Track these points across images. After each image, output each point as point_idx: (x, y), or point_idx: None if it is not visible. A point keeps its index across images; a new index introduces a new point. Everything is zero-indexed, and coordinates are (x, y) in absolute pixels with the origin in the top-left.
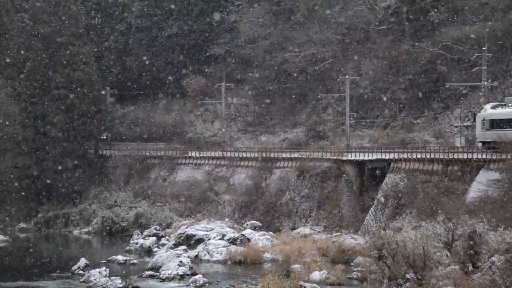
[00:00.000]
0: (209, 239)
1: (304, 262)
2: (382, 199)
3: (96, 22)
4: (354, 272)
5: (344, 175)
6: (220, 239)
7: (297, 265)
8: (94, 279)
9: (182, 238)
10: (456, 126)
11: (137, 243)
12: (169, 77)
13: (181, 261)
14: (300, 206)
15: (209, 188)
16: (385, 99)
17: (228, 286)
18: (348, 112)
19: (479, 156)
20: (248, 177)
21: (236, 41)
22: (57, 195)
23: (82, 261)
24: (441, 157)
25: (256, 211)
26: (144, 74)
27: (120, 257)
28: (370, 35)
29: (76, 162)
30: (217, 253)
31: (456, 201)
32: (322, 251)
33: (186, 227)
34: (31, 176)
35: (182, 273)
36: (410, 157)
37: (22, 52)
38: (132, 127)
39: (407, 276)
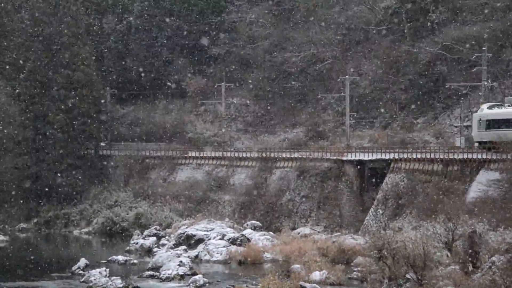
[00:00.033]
0: (209, 239)
1: (304, 262)
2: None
3: (96, 23)
4: (354, 272)
5: (344, 175)
6: (220, 239)
7: (297, 265)
8: (94, 279)
9: (182, 238)
10: (456, 126)
11: (137, 243)
12: (169, 77)
13: (181, 261)
14: (300, 206)
15: (209, 188)
16: (385, 99)
17: (228, 286)
18: (348, 112)
19: (479, 156)
20: (248, 177)
21: (236, 41)
22: (57, 195)
23: (82, 261)
24: (441, 157)
25: (256, 211)
26: (144, 74)
27: (120, 257)
28: (370, 35)
29: (76, 163)
30: (217, 253)
31: (456, 201)
32: (322, 251)
33: (186, 227)
34: (31, 176)
35: (182, 273)
36: (410, 157)
37: (22, 53)
38: (132, 127)
39: (407, 276)
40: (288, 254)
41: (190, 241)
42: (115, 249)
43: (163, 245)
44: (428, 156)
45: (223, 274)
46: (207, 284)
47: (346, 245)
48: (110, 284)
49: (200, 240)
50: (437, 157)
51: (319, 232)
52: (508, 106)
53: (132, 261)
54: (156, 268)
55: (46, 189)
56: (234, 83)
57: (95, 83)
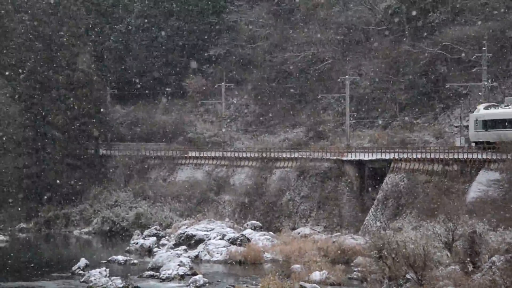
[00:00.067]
0: (209, 239)
1: (304, 262)
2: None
3: (96, 22)
4: (354, 272)
5: (344, 175)
6: (220, 239)
7: (297, 265)
8: (94, 279)
9: (182, 238)
10: (456, 126)
11: (137, 243)
12: (169, 77)
13: (181, 261)
14: (300, 206)
15: (209, 188)
16: (385, 99)
17: (228, 286)
18: (348, 112)
19: (479, 156)
20: (248, 177)
21: (236, 41)
22: (57, 195)
23: (82, 261)
24: (441, 157)
25: (256, 211)
26: (144, 74)
27: (120, 257)
28: (370, 35)
29: (76, 163)
30: (217, 253)
31: (456, 201)
32: (322, 251)
33: (186, 227)
34: (31, 176)
35: (182, 273)
36: (410, 157)
37: (22, 53)
38: (132, 127)
39: (407, 276)
40: (288, 254)
41: (190, 241)
42: (115, 249)
43: (163, 245)
44: (428, 156)
45: (223, 274)
46: (207, 284)
47: (346, 245)
48: (110, 284)
49: (200, 240)
50: (437, 157)
51: (319, 232)
52: (505, 106)
53: (132, 261)
54: (156, 268)
55: (46, 189)
56: (234, 83)
57: (95, 83)
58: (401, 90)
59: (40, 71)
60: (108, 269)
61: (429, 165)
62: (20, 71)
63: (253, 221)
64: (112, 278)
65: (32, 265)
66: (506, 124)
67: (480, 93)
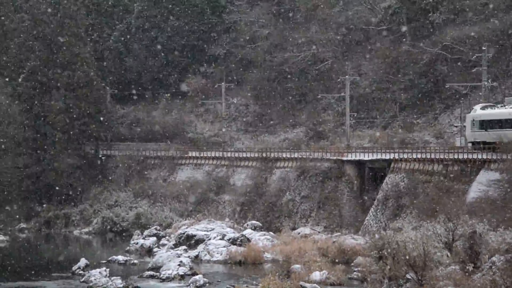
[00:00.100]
0: (210, 239)
1: (305, 262)
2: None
3: (96, 22)
4: (355, 272)
5: (344, 175)
6: (220, 239)
7: (297, 265)
8: (95, 279)
9: (183, 238)
10: (456, 126)
11: (137, 243)
12: (169, 77)
13: (181, 261)
14: (300, 206)
15: (209, 188)
16: (385, 99)
17: (228, 286)
18: (348, 112)
19: (479, 156)
20: (248, 177)
21: (236, 41)
22: (57, 195)
23: (82, 261)
24: (441, 157)
25: (256, 211)
26: (144, 74)
27: (120, 257)
28: (370, 35)
29: (76, 163)
30: (217, 253)
31: (456, 201)
32: (322, 251)
33: (186, 227)
34: (31, 176)
35: (183, 273)
36: (410, 157)
37: (22, 53)
38: (132, 127)
39: (408, 276)
40: (288, 254)
41: (190, 241)
42: (115, 249)
43: (163, 245)
44: (428, 156)
45: (223, 274)
46: (207, 284)
47: (346, 245)
48: (110, 284)
49: (200, 240)
50: (437, 157)
51: (319, 232)
52: (501, 106)
53: (132, 261)
54: (156, 268)
55: (46, 189)
56: (234, 83)
57: (95, 83)
58: (401, 90)
59: (40, 71)
60: (108, 269)
61: (429, 165)
62: (20, 71)
63: (253, 221)
64: (112, 278)
65: (32, 265)
66: (503, 124)
67: (480, 93)
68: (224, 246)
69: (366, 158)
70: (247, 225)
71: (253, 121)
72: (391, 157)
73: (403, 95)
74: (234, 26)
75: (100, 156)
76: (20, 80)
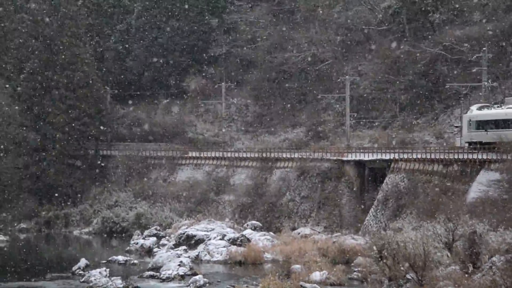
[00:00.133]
0: (210, 239)
1: (305, 262)
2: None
3: (96, 23)
4: (355, 273)
5: (344, 176)
6: (220, 239)
7: (297, 266)
8: (95, 279)
9: (183, 238)
10: (456, 126)
11: (137, 243)
12: (169, 78)
13: (181, 261)
14: (301, 206)
15: (210, 188)
16: (385, 99)
17: (228, 286)
18: (348, 113)
19: (480, 157)
20: (249, 177)
21: (236, 42)
22: (57, 195)
23: (83, 261)
24: (442, 157)
25: (257, 212)
26: (144, 74)
27: (120, 257)
28: (370, 35)
29: (76, 162)
30: (217, 254)
31: (456, 201)
32: (322, 251)
33: (187, 228)
34: (31, 176)
35: (183, 273)
36: (411, 157)
37: (22, 53)
38: (132, 127)
39: (408, 276)
40: (288, 255)
41: (190, 241)
42: (115, 249)
43: (163, 245)
44: (429, 156)
45: (223, 274)
46: (207, 284)
47: (346, 245)
48: (110, 284)
49: (200, 240)
50: (437, 157)
51: (319, 232)
52: (497, 107)
53: (132, 261)
54: (156, 268)
55: (46, 189)
56: (234, 83)
57: (95, 83)
58: (401, 90)
59: (40, 71)
60: (108, 269)
61: (429, 165)
62: (20, 71)
63: (253, 221)
64: (112, 278)
65: (32, 265)
66: (499, 124)
67: (480, 94)
68: (224, 246)
69: (366, 158)
70: (247, 225)
71: (253, 121)
72: (391, 157)
73: (403, 95)
74: (234, 26)
75: (100, 156)
76: (20, 80)
